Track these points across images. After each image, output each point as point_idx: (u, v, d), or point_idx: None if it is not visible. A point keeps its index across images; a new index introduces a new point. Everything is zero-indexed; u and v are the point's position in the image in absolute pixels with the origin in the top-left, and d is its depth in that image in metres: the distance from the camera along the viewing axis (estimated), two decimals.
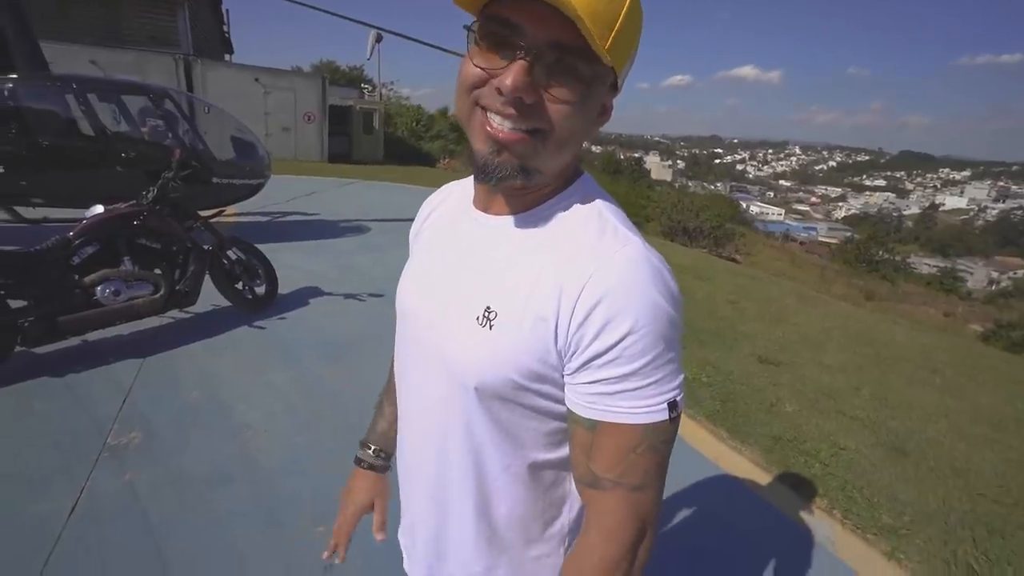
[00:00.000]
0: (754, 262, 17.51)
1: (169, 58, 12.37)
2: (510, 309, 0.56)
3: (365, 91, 22.00)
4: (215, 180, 5.03)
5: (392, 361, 0.95)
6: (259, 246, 3.99)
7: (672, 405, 0.53)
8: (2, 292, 2.64)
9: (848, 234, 47.57)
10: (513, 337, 0.55)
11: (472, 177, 0.69)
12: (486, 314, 0.57)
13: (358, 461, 0.95)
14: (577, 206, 0.59)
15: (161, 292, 3.18)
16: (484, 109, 0.52)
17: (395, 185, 11.96)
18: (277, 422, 2.60)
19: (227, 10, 18.14)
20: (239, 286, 3.78)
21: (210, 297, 3.76)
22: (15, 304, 2.73)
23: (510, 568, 0.68)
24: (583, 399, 0.54)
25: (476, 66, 0.52)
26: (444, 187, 0.80)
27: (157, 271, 3.21)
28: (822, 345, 4.50)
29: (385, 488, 0.95)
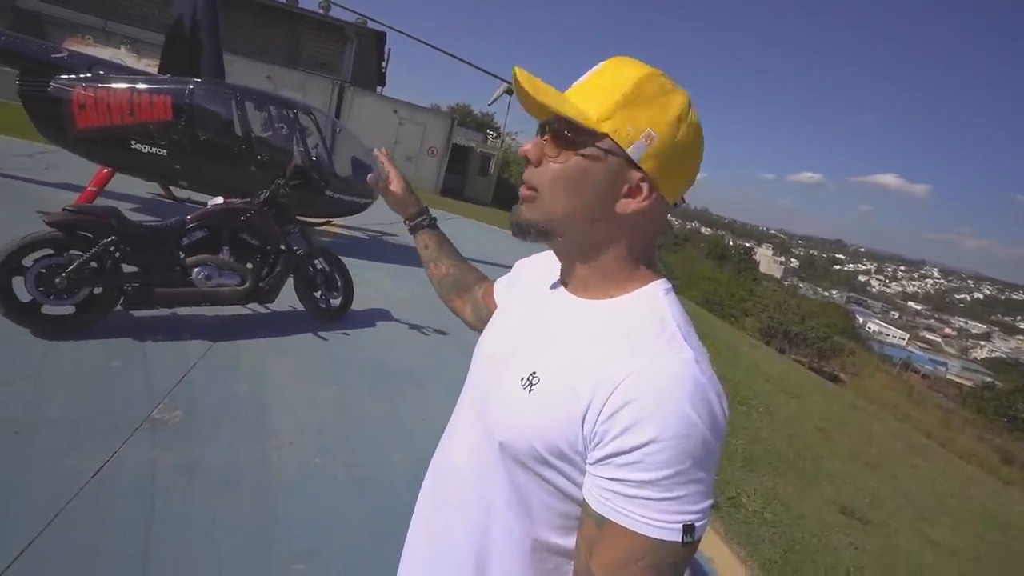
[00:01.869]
0: (861, 386, 15.53)
1: (329, 82, 14.11)
2: (552, 380, 0.58)
3: (489, 136, 23.44)
4: (328, 193, 5.47)
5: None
6: (349, 261, 4.19)
7: (688, 528, 0.50)
8: (119, 256, 2.97)
9: (988, 378, 40.86)
10: (546, 406, 0.57)
11: None
12: (530, 378, 0.60)
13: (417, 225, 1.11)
14: (644, 306, 0.61)
15: (247, 285, 3.41)
16: None
17: (492, 228, 12.34)
18: (304, 437, 2.59)
19: (389, 49, 20.61)
20: (317, 294, 3.97)
21: (289, 299, 3.98)
22: (127, 269, 3.05)
23: None
24: (598, 492, 0.53)
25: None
26: (548, 252, 0.81)
27: (248, 265, 3.46)
28: (931, 512, 3.72)
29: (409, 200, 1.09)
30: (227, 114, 5.36)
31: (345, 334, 3.93)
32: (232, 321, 3.68)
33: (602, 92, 0.58)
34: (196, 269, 3.21)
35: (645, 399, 0.50)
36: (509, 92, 14.36)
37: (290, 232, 3.70)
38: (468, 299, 1.02)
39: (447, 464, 0.73)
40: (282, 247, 3.61)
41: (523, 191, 0.64)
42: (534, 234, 0.64)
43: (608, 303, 0.63)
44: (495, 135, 24.64)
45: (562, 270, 0.70)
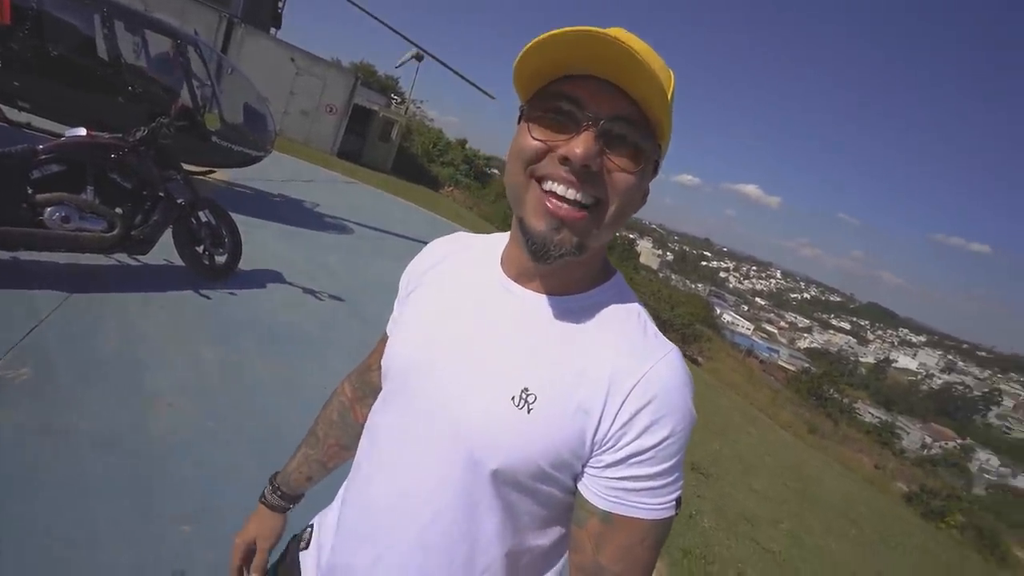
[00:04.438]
0: (713, 368, 17.84)
1: (215, 15, 12.44)
2: (551, 395, 0.54)
3: (394, 102, 22.43)
4: (214, 139, 4.94)
5: (331, 400, 0.90)
6: (236, 216, 3.88)
7: (679, 501, 0.55)
8: None
9: (806, 365, 49.15)
10: (552, 425, 0.54)
11: (492, 236, 0.71)
12: (523, 396, 0.55)
13: (260, 498, 0.92)
14: (616, 303, 0.60)
15: (115, 232, 3.03)
16: (542, 181, 0.53)
17: (393, 197, 11.99)
18: (188, 400, 2.43)
19: None
20: (199, 249, 3.64)
21: (165, 252, 3.60)
22: None
23: None
24: (604, 491, 0.54)
25: (535, 139, 0.53)
26: (456, 236, 0.77)
27: (118, 210, 3.07)
28: (755, 468, 4.52)
29: (272, 528, 0.88)
30: (89, 31, 4.55)
31: (231, 294, 3.67)
32: (95, 272, 3.25)
33: (661, 94, 0.49)
34: (50, 209, 2.78)
35: (658, 400, 0.52)
36: (418, 58, 13.79)
37: (171, 178, 3.34)
38: (373, 383, 0.83)
39: (397, 473, 0.61)
40: (160, 194, 3.25)
41: (561, 210, 0.52)
42: (571, 257, 0.54)
43: (582, 298, 0.60)
44: (399, 100, 23.63)
45: (516, 262, 0.62)
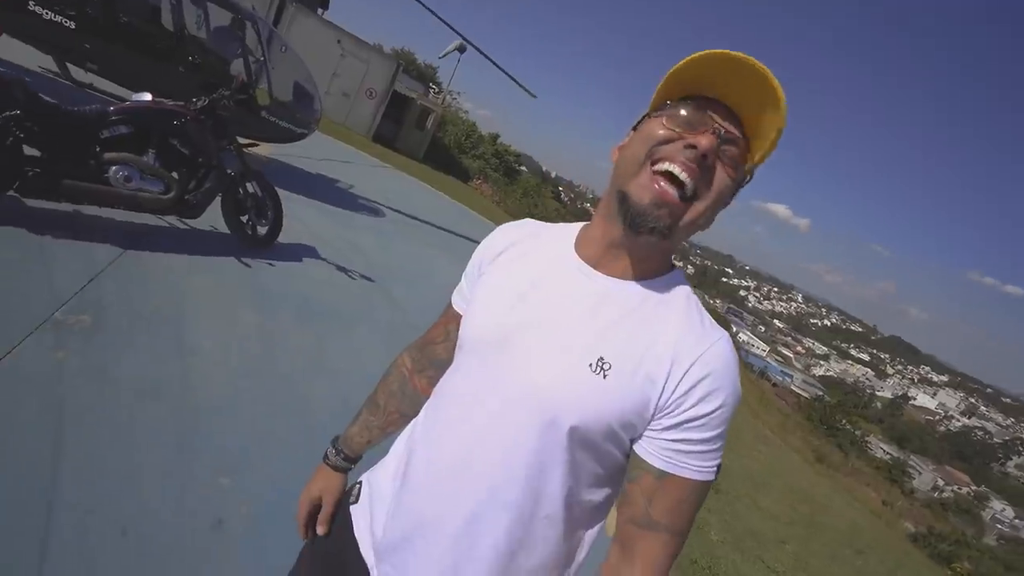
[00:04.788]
0: None
1: None
2: (624, 365, 0.62)
3: (431, 91, 22.61)
4: (264, 115, 5.09)
5: (390, 371, 0.97)
6: (278, 191, 4.01)
7: (719, 468, 0.64)
8: (22, 135, 2.63)
9: (820, 393, 48.25)
10: (624, 390, 0.62)
11: (566, 226, 0.80)
12: (600, 363, 0.62)
13: (324, 458, 0.98)
14: (679, 290, 0.69)
15: (171, 194, 3.17)
16: (655, 164, 0.63)
17: (424, 185, 12.13)
18: (227, 358, 2.55)
19: None
20: (244, 218, 3.78)
21: (211, 219, 3.75)
22: (29, 151, 2.71)
23: None
24: (661, 451, 0.62)
25: (668, 127, 0.64)
26: (526, 222, 0.85)
27: (175, 174, 3.21)
28: (764, 486, 4.52)
29: (336, 486, 0.94)
30: (156, 0, 4.74)
31: (270, 264, 3.80)
32: (149, 232, 3.40)
33: (774, 118, 0.60)
34: (115, 167, 2.92)
35: (715, 375, 0.61)
36: (461, 49, 13.88)
37: (225, 148, 3.48)
38: (435, 355, 0.90)
39: (474, 428, 0.68)
40: (214, 163, 3.38)
41: (669, 189, 0.62)
42: (659, 236, 0.64)
43: (650, 284, 0.68)
44: (437, 90, 23.80)
45: (593, 248, 0.71)
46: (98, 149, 2.89)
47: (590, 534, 0.72)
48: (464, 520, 0.67)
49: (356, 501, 0.85)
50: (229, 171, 3.51)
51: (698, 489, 0.62)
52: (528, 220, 0.85)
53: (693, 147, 0.61)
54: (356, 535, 0.81)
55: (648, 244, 0.65)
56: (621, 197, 0.65)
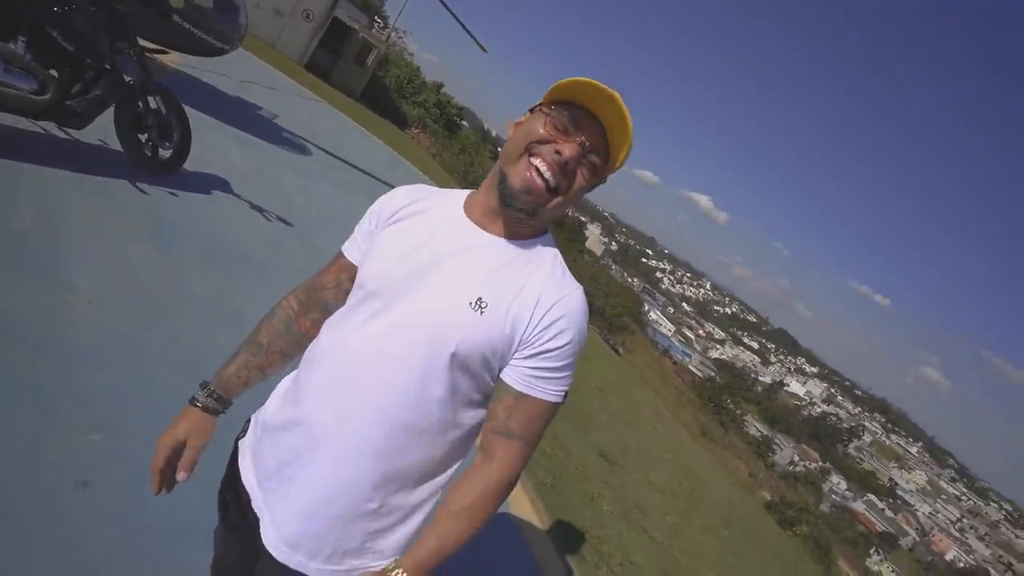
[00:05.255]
0: (631, 360, 18.83)
1: None
2: (497, 304, 0.75)
3: (376, 25, 20.93)
4: (176, 20, 4.41)
5: (275, 311, 0.99)
6: (188, 111, 3.53)
7: (567, 392, 0.80)
8: None
9: (712, 374, 53.05)
10: (496, 324, 0.74)
11: (454, 191, 0.92)
12: (479, 302, 0.75)
13: (192, 400, 0.94)
14: (547, 250, 0.84)
15: (46, 96, 2.67)
16: (531, 157, 0.77)
17: (358, 127, 11.36)
18: (110, 300, 2.25)
19: None
20: (144, 137, 3.30)
21: (102, 133, 3.24)
22: None
23: (395, 510, 0.80)
24: (521, 376, 0.76)
25: (545, 131, 0.77)
26: (419, 187, 0.93)
27: (53, 72, 2.70)
28: (655, 462, 4.90)
29: (204, 429, 0.93)
30: None
31: (172, 193, 3.38)
32: (18, 136, 2.87)
33: (626, 142, 0.77)
34: None
35: (567, 317, 0.76)
36: None
37: (122, 51, 2.98)
38: (323, 300, 0.96)
39: (369, 350, 0.77)
40: (107, 66, 2.89)
41: (537, 181, 0.76)
42: (525, 215, 0.79)
43: (524, 243, 0.83)
44: (382, 24, 22.10)
45: (480, 211, 0.83)
46: None
47: (461, 451, 0.84)
48: (351, 430, 0.76)
49: (243, 435, 0.93)
50: (127, 79, 3.03)
51: (549, 409, 0.78)
52: (421, 185, 0.94)
53: (559, 154, 0.75)
54: (240, 467, 0.88)
55: (516, 218, 0.79)
56: (501, 177, 0.78)
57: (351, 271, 0.91)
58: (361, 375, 0.77)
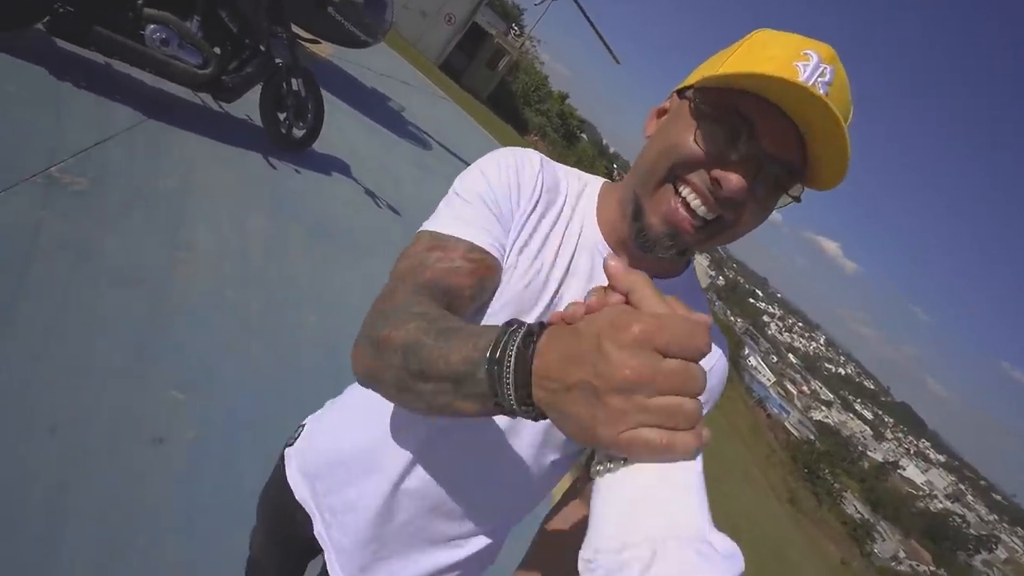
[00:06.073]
0: (721, 405, 17.39)
1: None
2: None
3: (512, 32, 21.58)
4: (330, 11, 4.74)
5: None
6: (324, 95, 3.73)
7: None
8: None
9: (811, 437, 47.70)
10: None
11: (579, 176, 0.69)
12: None
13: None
14: (695, 294, 0.68)
15: (208, 70, 2.93)
16: (678, 184, 0.53)
17: (479, 128, 11.68)
18: (219, 263, 2.37)
19: None
20: (282, 116, 3.53)
21: (248, 108, 3.52)
22: None
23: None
24: None
25: (697, 144, 0.51)
26: (538, 159, 0.65)
27: (217, 49, 2.96)
28: (741, 533, 4.33)
29: None
30: None
31: (297, 171, 3.58)
32: (176, 104, 3.19)
33: (839, 157, 0.47)
34: (153, 27, 2.67)
35: (716, 388, 0.69)
36: None
37: (277, 35, 3.19)
38: (462, 310, 0.64)
39: (484, 454, 0.65)
40: (262, 47, 3.11)
41: (686, 221, 0.53)
42: (668, 258, 0.59)
43: (670, 283, 0.66)
44: (518, 32, 22.73)
45: (621, 246, 0.63)
46: (139, 1, 2.64)
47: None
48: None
49: (293, 442, 0.83)
50: (277, 60, 3.25)
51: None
52: (538, 155, 0.66)
53: (719, 184, 0.50)
54: (289, 479, 0.78)
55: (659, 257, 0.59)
56: (636, 209, 0.57)
57: (495, 272, 0.59)
58: (479, 476, 0.67)
